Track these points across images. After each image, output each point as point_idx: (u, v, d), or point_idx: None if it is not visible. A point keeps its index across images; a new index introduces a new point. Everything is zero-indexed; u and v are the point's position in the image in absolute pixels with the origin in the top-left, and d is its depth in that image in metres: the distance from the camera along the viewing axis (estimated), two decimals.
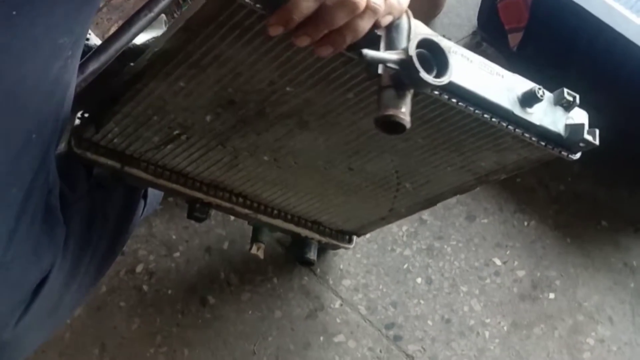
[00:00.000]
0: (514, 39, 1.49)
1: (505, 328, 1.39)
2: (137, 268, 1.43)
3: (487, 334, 1.39)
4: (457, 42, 1.59)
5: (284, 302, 1.39)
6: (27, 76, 0.85)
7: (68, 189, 1.08)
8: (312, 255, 1.31)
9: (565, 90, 0.86)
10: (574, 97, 0.86)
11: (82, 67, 1.19)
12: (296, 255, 1.33)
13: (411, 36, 0.69)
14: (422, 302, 1.41)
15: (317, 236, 1.26)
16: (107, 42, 1.21)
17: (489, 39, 1.57)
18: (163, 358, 1.32)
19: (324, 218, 1.24)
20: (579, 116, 0.88)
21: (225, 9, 0.73)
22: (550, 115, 0.86)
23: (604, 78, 1.41)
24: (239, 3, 0.71)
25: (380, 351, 1.37)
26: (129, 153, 1.07)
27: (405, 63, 0.66)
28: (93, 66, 1.19)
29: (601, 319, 1.40)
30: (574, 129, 0.85)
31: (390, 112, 0.65)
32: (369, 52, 0.66)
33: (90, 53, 1.23)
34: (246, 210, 1.19)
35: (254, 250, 1.29)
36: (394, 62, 0.66)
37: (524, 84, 0.84)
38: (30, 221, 0.97)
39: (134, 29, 1.22)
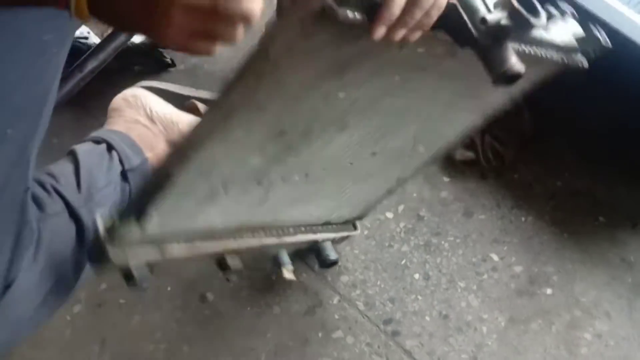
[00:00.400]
0: None
1: (502, 323, 1.40)
2: None
3: (484, 329, 1.40)
4: None
5: (282, 298, 1.40)
6: (8, 70, 0.85)
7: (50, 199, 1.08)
8: (334, 254, 1.33)
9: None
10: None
11: (81, 65, 1.21)
12: (319, 262, 1.34)
13: None
14: (419, 297, 1.42)
15: (331, 235, 1.27)
16: (106, 41, 1.22)
17: None
18: (163, 354, 1.33)
19: (334, 216, 1.24)
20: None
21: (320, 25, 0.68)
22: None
23: (601, 74, 1.40)
24: (341, 18, 0.67)
25: (378, 347, 1.37)
26: (163, 234, 0.96)
27: (515, 15, 0.69)
28: (92, 65, 1.21)
29: (598, 314, 1.41)
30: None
31: (511, 66, 0.70)
32: (487, 17, 0.70)
33: (88, 52, 1.24)
34: (272, 239, 1.16)
35: (286, 275, 1.29)
36: (506, 18, 0.69)
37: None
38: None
39: None
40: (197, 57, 1.62)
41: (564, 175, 1.53)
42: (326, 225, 1.26)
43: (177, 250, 0.98)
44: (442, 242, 1.46)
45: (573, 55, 0.91)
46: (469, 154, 1.50)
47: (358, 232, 1.30)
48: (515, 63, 0.70)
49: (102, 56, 1.18)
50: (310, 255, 1.39)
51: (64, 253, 1.04)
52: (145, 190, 0.88)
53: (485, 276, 1.44)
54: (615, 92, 1.41)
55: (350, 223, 1.30)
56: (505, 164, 1.51)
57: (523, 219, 1.49)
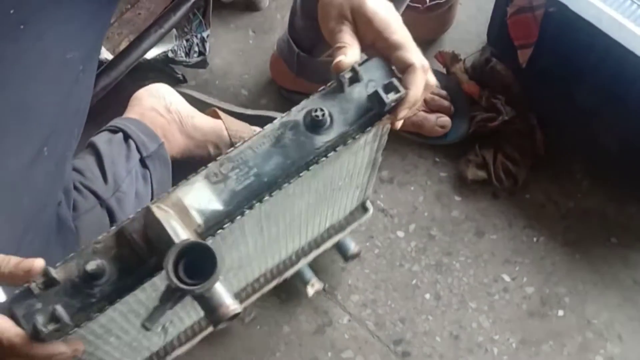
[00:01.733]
0: (524, 55, 1.49)
1: (513, 345, 1.39)
2: None
3: (495, 350, 1.39)
4: (467, 58, 1.60)
5: (292, 317, 1.40)
6: (37, 89, 0.86)
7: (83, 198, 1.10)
8: (354, 247, 1.35)
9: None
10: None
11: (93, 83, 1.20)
12: (343, 257, 1.37)
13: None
14: (430, 318, 1.41)
15: (345, 232, 1.27)
16: (118, 58, 1.22)
17: (498, 54, 1.57)
18: None
19: (341, 214, 1.24)
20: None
21: None
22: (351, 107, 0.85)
23: (614, 94, 1.40)
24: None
25: None
26: None
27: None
28: (104, 82, 1.21)
29: (610, 337, 1.40)
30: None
31: (226, 312, 0.71)
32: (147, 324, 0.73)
33: (101, 68, 1.24)
34: (289, 271, 1.23)
35: (311, 291, 1.34)
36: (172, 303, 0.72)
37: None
38: (42, 232, 0.97)
39: (144, 45, 1.23)
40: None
41: (576, 195, 1.51)
42: (339, 224, 1.26)
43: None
44: (454, 262, 1.45)
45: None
46: (481, 174, 1.49)
47: (371, 211, 1.27)
48: (226, 309, 0.71)
49: (114, 74, 1.18)
50: (322, 273, 1.39)
51: None
52: None
53: (496, 297, 1.43)
54: (627, 111, 1.40)
55: (359, 209, 1.28)
56: (517, 183, 1.50)
57: (535, 239, 1.48)
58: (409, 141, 1.54)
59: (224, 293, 0.72)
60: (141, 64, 1.48)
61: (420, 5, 1.53)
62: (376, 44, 0.86)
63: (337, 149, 0.83)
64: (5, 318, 0.72)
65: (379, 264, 1.45)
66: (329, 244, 1.26)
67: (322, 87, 0.86)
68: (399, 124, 0.88)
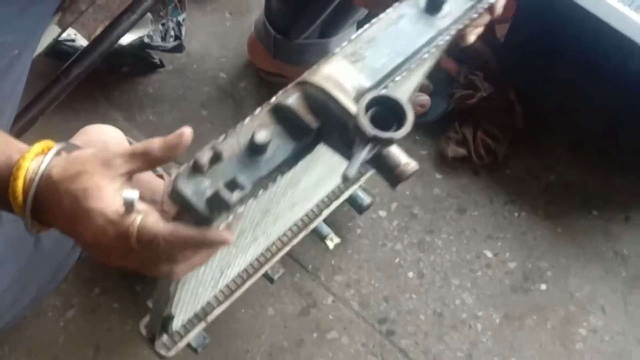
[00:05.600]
0: (501, 30, 1.49)
1: (497, 320, 1.40)
2: None
3: (479, 326, 1.39)
4: None
5: (276, 299, 1.40)
6: None
7: None
8: (367, 198, 1.37)
9: None
10: None
11: (66, 71, 1.20)
12: (356, 210, 1.39)
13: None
14: (414, 296, 1.42)
15: (356, 185, 1.31)
16: (90, 47, 1.21)
17: None
18: (157, 358, 1.32)
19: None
20: None
21: None
22: None
23: (591, 67, 1.40)
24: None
25: (374, 346, 1.37)
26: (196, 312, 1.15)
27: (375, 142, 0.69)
28: (77, 70, 1.19)
29: (593, 309, 1.41)
30: None
31: (404, 170, 0.71)
32: (349, 173, 0.69)
33: (74, 57, 1.23)
34: (304, 231, 1.27)
35: (331, 245, 1.37)
36: (367, 153, 0.70)
37: None
38: None
39: (117, 32, 1.22)
40: None
41: (556, 169, 1.52)
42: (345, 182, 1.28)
43: (218, 310, 1.17)
44: (436, 240, 1.46)
45: None
46: (461, 151, 1.49)
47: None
48: (407, 167, 0.72)
49: (87, 62, 1.16)
50: (305, 254, 1.40)
51: (20, 259, 1.03)
52: (157, 307, 0.99)
53: (479, 273, 1.44)
54: (606, 83, 1.40)
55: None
56: (497, 159, 1.50)
57: (516, 214, 1.48)
58: None
59: (398, 152, 0.72)
60: (117, 50, 1.47)
61: None
62: None
63: (452, 31, 0.84)
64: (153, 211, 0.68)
65: (362, 244, 1.45)
66: (342, 198, 1.30)
67: None
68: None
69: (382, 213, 1.47)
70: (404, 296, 1.41)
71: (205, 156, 0.67)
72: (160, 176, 1.35)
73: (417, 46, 0.82)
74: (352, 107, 0.72)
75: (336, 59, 0.79)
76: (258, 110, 0.74)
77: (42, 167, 0.69)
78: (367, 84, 0.78)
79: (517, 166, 1.52)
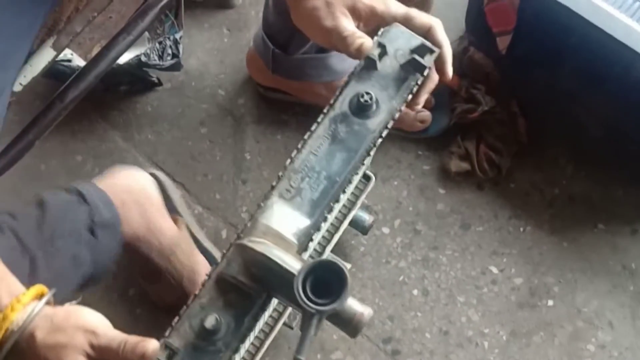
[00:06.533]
0: (503, 42, 1.47)
1: (504, 337, 1.38)
2: (130, 291, 1.41)
3: (486, 344, 1.37)
4: None
5: None
6: None
7: None
8: (368, 217, 1.34)
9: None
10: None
11: (62, 95, 1.18)
12: (361, 231, 1.37)
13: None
14: (419, 314, 1.39)
15: (358, 205, 1.27)
16: (87, 69, 1.19)
17: (476, 42, 1.55)
18: None
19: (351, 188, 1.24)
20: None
21: None
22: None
23: (594, 78, 1.38)
24: None
25: None
26: None
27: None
28: (72, 94, 1.18)
29: (601, 324, 1.39)
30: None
31: (360, 321, 0.74)
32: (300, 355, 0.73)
33: (69, 80, 1.21)
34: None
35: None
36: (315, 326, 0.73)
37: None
38: None
39: (113, 54, 1.20)
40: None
41: (561, 182, 1.50)
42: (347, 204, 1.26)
43: None
44: (440, 257, 1.44)
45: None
46: (464, 165, 1.47)
47: (374, 179, 1.28)
48: (360, 316, 0.73)
49: (82, 85, 1.14)
50: None
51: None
52: None
53: (485, 289, 1.41)
54: (608, 95, 1.39)
55: (362, 180, 1.28)
56: (501, 173, 1.48)
57: (521, 229, 1.46)
58: (390, 135, 1.50)
59: (351, 302, 0.73)
60: (114, 69, 1.45)
61: None
62: (380, 25, 0.91)
63: (388, 125, 0.85)
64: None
65: (365, 262, 1.43)
66: (346, 221, 1.26)
67: (350, 72, 0.88)
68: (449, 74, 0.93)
69: (385, 230, 1.46)
70: (409, 314, 1.39)
71: (161, 356, 0.75)
72: (175, 219, 1.33)
73: (355, 158, 0.82)
74: (295, 264, 0.73)
75: (272, 201, 0.79)
76: (201, 289, 0.77)
77: (27, 322, 0.75)
78: (307, 222, 0.78)
79: (521, 180, 1.50)
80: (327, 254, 1.23)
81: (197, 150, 1.54)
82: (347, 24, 0.89)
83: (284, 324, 1.20)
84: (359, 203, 1.26)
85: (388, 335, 1.37)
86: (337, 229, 1.23)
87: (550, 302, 1.40)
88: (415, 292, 1.41)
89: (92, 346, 0.75)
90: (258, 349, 1.16)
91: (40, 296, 0.79)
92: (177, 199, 1.39)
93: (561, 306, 1.40)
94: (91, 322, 0.77)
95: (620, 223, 1.47)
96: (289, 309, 1.19)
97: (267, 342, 1.17)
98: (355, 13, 0.91)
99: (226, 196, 1.50)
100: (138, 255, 1.26)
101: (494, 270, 1.43)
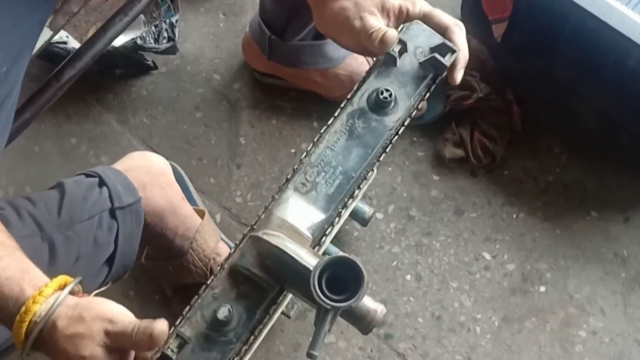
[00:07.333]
0: (498, 30, 1.47)
1: (496, 323, 1.38)
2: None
3: (478, 329, 1.38)
4: None
5: None
6: None
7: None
8: (368, 209, 1.33)
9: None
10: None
11: (58, 74, 1.18)
12: (360, 223, 1.36)
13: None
14: (412, 299, 1.40)
15: (359, 195, 1.27)
16: (82, 49, 1.19)
17: (472, 30, 1.55)
18: None
19: None
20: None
21: None
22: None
23: (589, 67, 1.39)
24: None
25: (371, 350, 1.36)
26: None
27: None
28: (69, 73, 1.17)
29: (593, 311, 1.40)
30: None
31: (374, 318, 0.74)
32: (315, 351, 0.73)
33: (65, 60, 1.21)
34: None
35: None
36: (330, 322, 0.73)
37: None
38: None
39: (109, 34, 1.20)
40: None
41: (554, 170, 1.50)
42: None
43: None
44: (434, 242, 1.44)
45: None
46: (459, 152, 1.48)
47: (375, 171, 1.27)
48: (374, 313, 0.74)
49: (79, 65, 1.14)
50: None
51: None
52: None
53: (477, 275, 1.42)
54: (603, 83, 1.39)
55: None
56: (495, 160, 1.49)
57: (515, 215, 1.47)
58: None
59: (366, 299, 0.72)
60: (109, 52, 1.45)
61: None
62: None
63: (405, 123, 0.85)
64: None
65: (359, 247, 1.44)
66: (347, 213, 1.24)
67: (369, 68, 0.88)
68: (458, 79, 0.95)
69: (379, 215, 1.46)
70: (402, 299, 1.40)
71: (172, 345, 0.76)
72: (202, 211, 1.33)
73: (372, 155, 0.82)
74: (311, 259, 0.73)
75: (288, 194, 0.79)
76: (213, 279, 0.77)
77: (50, 313, 0.78)
78: (322, 216, 0.79)
79: (515, 167, 1.50)
80: (327, 245, 1.23)
81: (192, 134, 1.54)
82: (375, 22, 0.90)
83: (282, 313, 1.20)
84: (360, 194, 1.26)
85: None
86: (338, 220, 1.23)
87: (543, 289, 1.41)
88: (408, 277, 1.42)
89: (108, 334, 0.78)
90: (256, 337, 1.16)
91: (63, 286, 0.80)
92: (193, 191, 1.41)
93: (553, 292, 1.41)
94: (110, 310, 0.79)
95: (613, 211, 1.47)
96: (288, 298, 1.19)
97: (265, 331, 1.17)
98: (385, 11, 0.91)
99: (220, 180, 1.50)
100: (161, 237, 1.25)
101: (487, 256, 1.44)
